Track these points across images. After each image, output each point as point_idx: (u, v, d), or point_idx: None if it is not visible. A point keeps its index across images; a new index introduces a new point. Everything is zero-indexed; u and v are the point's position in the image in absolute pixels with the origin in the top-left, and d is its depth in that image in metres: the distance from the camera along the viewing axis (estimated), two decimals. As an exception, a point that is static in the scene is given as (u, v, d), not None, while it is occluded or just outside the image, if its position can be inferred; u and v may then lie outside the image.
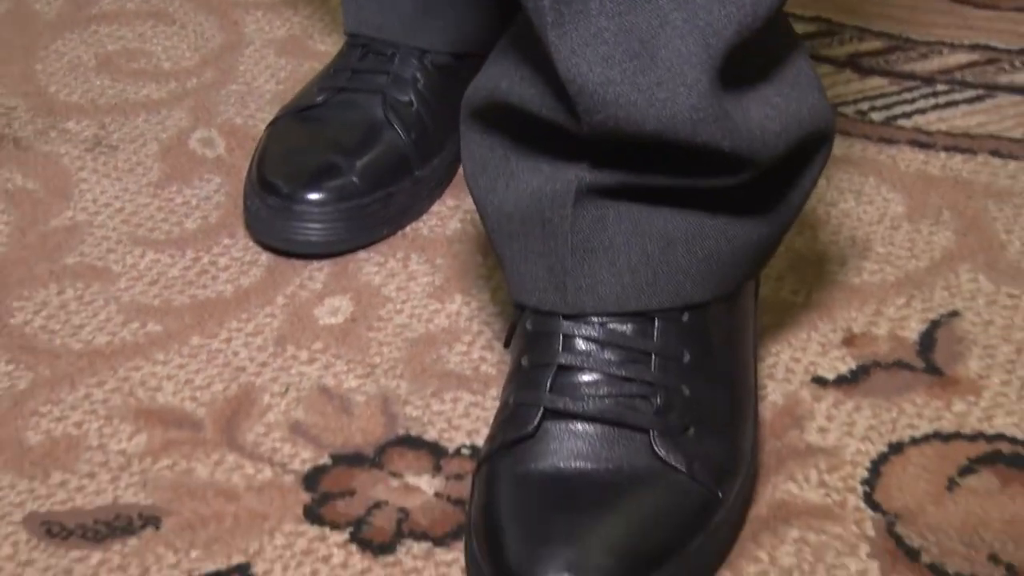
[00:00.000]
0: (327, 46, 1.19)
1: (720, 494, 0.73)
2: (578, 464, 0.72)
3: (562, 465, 0.72)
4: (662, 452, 0.72)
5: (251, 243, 0.97)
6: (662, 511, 0.71)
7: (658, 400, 0.73)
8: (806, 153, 0.77)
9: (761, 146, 0.72)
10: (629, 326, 0.74)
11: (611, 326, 0.74)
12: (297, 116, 0.99)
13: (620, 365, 0.73)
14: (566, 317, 0.74)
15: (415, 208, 0.99)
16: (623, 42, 0.69)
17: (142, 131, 1.09)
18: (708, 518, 0.72)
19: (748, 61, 0.71)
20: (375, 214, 0.95)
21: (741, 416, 0.77)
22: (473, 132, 0.77)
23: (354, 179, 0.95)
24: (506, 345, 0.79)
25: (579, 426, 0.73)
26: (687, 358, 0.74)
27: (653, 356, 0.74)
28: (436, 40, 0.99)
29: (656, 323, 0.74)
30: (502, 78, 0.74)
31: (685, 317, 0.75)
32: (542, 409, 0.73)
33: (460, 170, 1.01)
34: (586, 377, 0.73)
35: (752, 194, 0.75)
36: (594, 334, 0.74)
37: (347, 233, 0.94)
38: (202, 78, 1.16)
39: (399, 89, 0.99)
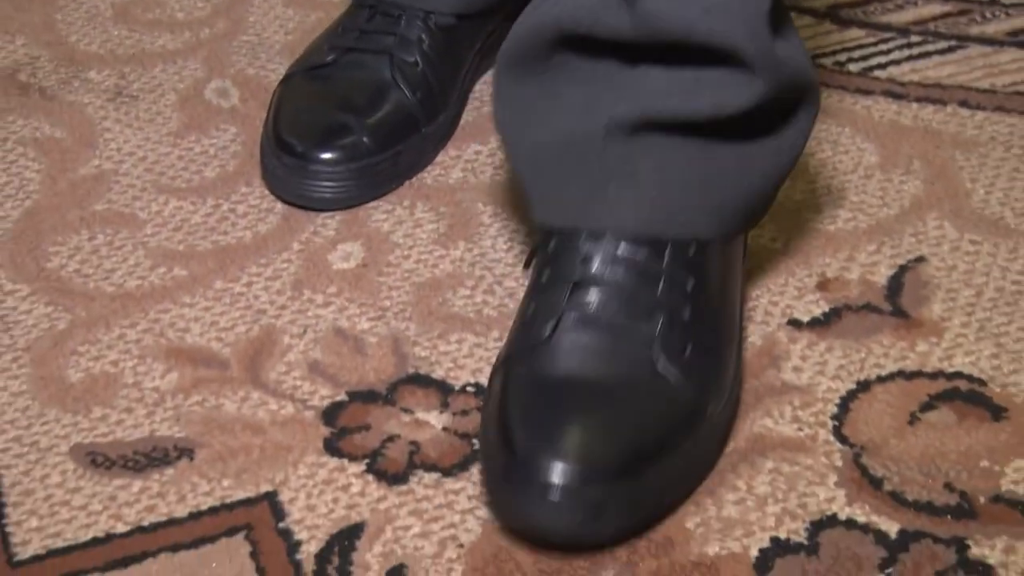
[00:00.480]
0: (332, -4, 1.24)
1: (707, 411, 0.80)
2: (585, 373, 0.78)
3: (572, 372, 0.78)
4: (660, 366, 0.79)
5: (267, 192, 1.02)
6: (656, 416, 0.78)
7: (661, 319, 0.80)
8: (798, 105, 0.84)
9: (774, 64, 0.79)
10: (643, 250, 0.81)
11: (626, 249, 0.81)
12: (308, 74, 1.03)
13: (631, 284, 0.80)
14: (586, 238, 0.81)
15: (421, 163, 1.03)
16: None
17: (160, 81, 1.14)
18: (696, 427, 0.79)
19: None
20: (384, 172, 1.00)
21: (729, 344, 0.84)
22: (507, 82, 0.84)
23: (365, 139, 0.99)
24: (526, 266, 0.86)
25: (588, 338, 0.79)
26: (690, 285, 0.82)
27: (661, 279, 0.81)
28: (440, 2, 1.03)
29: (667, 250, 0.81)
30: (553, 6, 0.80)
31: (691, 250, 0.82)
32: (558, 319, 0.80)
33: (462, 124, 1.07)
34: (599, 294, 0.80)
35: (753, 146, 0.83)
36: (610, 255, 0.81)
37: (358, 190, 0.99)
38: (214, 29, 1.20)
39: (405, 50, 1.02)
